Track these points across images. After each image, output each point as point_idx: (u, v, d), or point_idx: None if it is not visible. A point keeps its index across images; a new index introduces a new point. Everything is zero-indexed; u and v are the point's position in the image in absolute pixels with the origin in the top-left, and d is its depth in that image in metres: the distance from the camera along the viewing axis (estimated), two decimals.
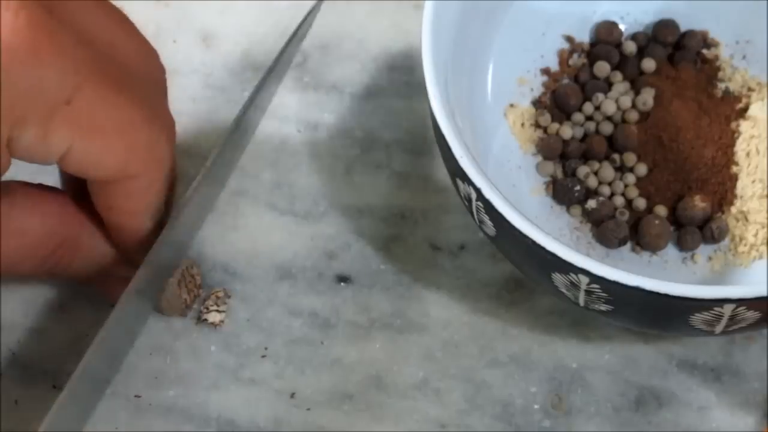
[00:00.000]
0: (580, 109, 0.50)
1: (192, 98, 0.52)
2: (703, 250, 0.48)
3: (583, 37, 0.51)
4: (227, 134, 0.47)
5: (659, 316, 0.41)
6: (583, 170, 0.49)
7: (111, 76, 0.39)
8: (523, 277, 0.47)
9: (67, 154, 0.39)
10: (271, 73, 0.49)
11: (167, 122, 0.43)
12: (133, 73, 0.41)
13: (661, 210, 0.48)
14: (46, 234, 0.43)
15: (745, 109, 0.49)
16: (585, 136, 0.49)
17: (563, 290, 0.41)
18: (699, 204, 0.47)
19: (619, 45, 0.51)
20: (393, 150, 0.51)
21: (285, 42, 0.49)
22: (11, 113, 0.37)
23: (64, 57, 0.38)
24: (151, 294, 0.46)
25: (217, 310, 0.47)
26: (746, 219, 0.47)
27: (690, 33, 0.50)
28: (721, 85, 0.50)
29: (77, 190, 0.44)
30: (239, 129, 0.48)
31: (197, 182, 0.46)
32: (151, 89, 0.43)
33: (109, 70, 0.39)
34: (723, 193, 0.48)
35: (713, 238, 0.47)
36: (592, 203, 0.48)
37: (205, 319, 0.47)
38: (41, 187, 0.44)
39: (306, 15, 0.50)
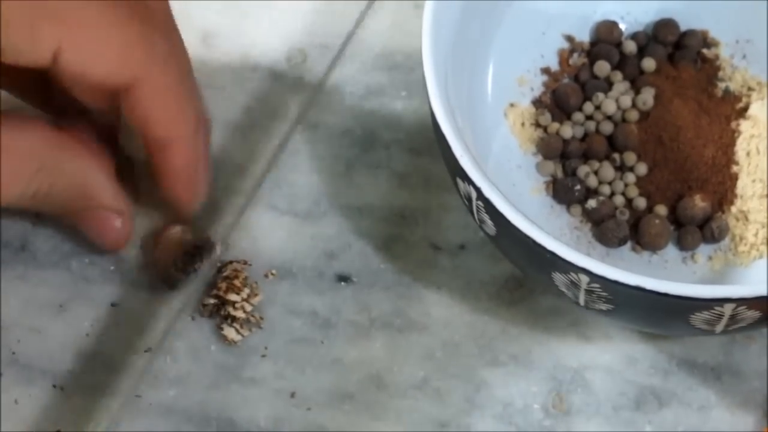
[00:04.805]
0: (580, 109, 0.50)
1: None
2: (704, 250, 0.48)
3: (584, 36, 0.51)
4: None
5: (659, 315, 0.41)
6: (583, 170, 0.49)
7: None
8: (523, 276, 0.47)
9: (59, 53, 0.40)
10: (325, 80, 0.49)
11: (161, 21, 0.43)
12: None
13: (661, 209, 0.48)
14: (27, 153, 0.43)
15: (746, 108, 0.49)
16: (585, 136, 0.49)
17: (564, 290, 0.41)
18: (699, 203, 0.47)
19: (619, 44, 0.51)
20: (393, 150, 0.51)
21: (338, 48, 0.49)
22: None
23: None
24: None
25: (239, 331, 0.47)
26: (746, 218, 0.47)
27: (690, 32, 0.50)
28: (722, 85, 0.50)
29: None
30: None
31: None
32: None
33: None
34: (723, 192, 0.48)
35: (713, 238, 0.47)
36: (592, 203, 0.48)
37: (222, 328, 0.47)
38: (21, 115, 0.44)
39: (360, 16, 0.50)
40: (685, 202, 0.48)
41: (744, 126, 0.48)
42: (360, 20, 0.53)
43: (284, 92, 0.52)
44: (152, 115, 0.43)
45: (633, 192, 0.48)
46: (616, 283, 0.39)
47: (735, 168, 0.48)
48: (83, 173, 0.45)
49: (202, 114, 0.46)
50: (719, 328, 0.41)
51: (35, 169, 0.43)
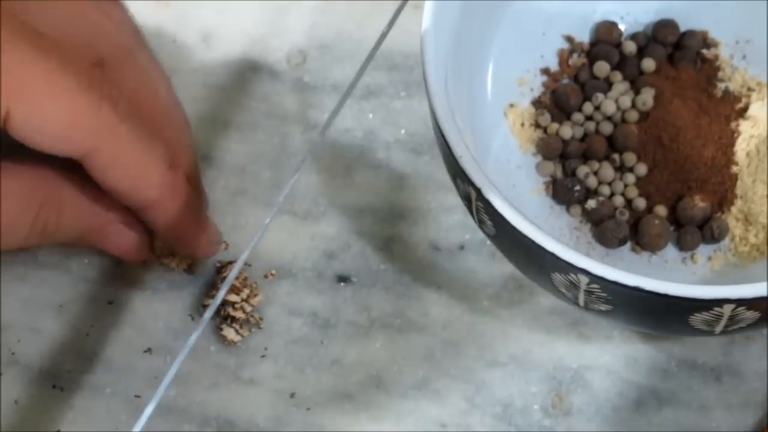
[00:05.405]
0: (579, 109, 0.50)
1: (192, 98, 0.52)
2: (703, 250, 0.48)
3: (583, 36, 0.51)
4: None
5: (659, 316, 0.41)
6: (582, 170, 0.49)
7: (38, 42, 0.40)
8: (523, 277, 0.47)
9: (8, 118, 0.39)
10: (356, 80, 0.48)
11: (114, 93, 0.42)
12: (71, 44, 0.42)
13: (661, 210, 0.48)
14: (26, 194, 0.43)
15: (745, 108, 0.49)
16: (585, 136, 0.49)
17: (563, 290, 0.41)
18: (699, 204, 0.47)
19: (619, 45, 0.51)
20: (393, 150, 0.51)
21: (372, 48, 0.48)
22: None
23: None
24: None
25: (238, 331, 0.47)
26: (746, 219, 0.47)
27: (690, 33, 0.50)
28: (721, 85, 0.50)
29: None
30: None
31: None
32: (98, 56, 0.43)
33: (34, 36, 0.40)
34: (723, 192, 0.48)
35: (713, 238, 0.47)
36: (591, 203, 0.48)
37: (221, 328, 0.47)
38: (8, 157, 0.44)
39: (392, 17, 0.49)
40: (684, 202, 0.48)
41: (744, 126, 0.48)
42: (360, 20, 0.53)
43: (284, 92, 0.52)
44: (111, 182, 0.43)
45: (633, 192, 0.48)
46: (615, 283, 0.39)
47: (735, 168, 0.48)
48: (87, 200, 0.45)
49: (182, 159, 0.46)
50: (719, 328, 0.41)
51: (37, 207, 0.43)
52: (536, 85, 0.50)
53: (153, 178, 0.44)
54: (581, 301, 0.41)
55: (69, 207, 0.44)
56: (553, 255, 0.39)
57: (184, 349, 0.41)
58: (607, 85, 0.50)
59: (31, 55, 0.40)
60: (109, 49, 0.44)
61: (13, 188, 0.42)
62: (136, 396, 0.47)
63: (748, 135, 0.48)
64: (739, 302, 0.39)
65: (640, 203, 0.48)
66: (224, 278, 0.47)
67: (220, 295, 0.43)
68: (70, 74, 0.40)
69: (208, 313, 0.42)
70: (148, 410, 0.41)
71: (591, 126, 0.49)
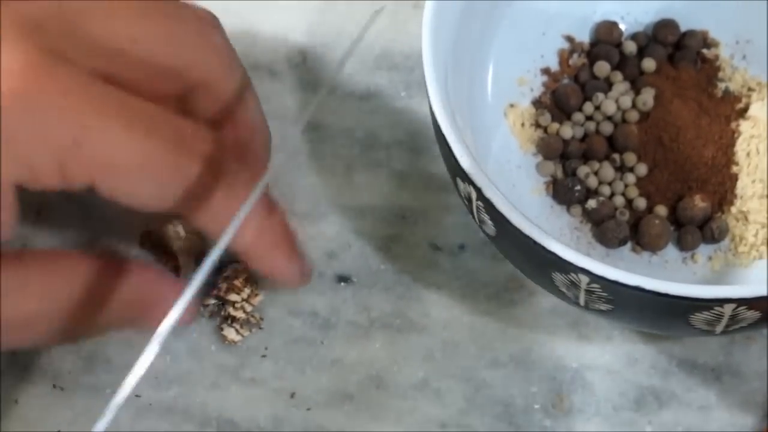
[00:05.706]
0: (580, 109, 0.50)
1: None
2: (703, 250, 0.48)
3: (584, 36, 0.51)
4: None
5: (659, 315, 0.41)
6: (583, 170, 0.49)
7: (123, 109, 0.38)
8: (523, 277, 0.47)
9: (93, 185, 0.38)
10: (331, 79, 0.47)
11: (203, 145, 0.39)
12: (161, 71, 0.40)
13: (661, 210, 0.48)
14: (49, 287, 0.40)
15: (745, 108, 0.49)
16: (585, 136, 0.49)
17: (564, 290, 0.41)
18: (699, 204, 0.47)
19: (619, 45, 0.51)
20: (393, 150, 0.51)
21: (346, 50, 0.47)
22: (16, 161, 0.36)
23: (65, 97, 0.36)
24: None
25: (238, 331, 0.47)
26: (746, 219, 0.47)
27: (690, 33, 0.50)
28: (721, 85, 0.50)
29: None
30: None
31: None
32: (190, 83, 0.41)
33: (121, 101, 0.38)
34: (723, 192, 0.48)
35: (713, 238, 0.47)
36: (592, 203, 0.48)
37: (222, 328, 0.47)
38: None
39: (368, 21, 0.48)
40: (685, 202, 0.48)
41: (744, 126, 0.48)
42: (360, 21, 0.53)
43: (284, 92, 0.52)
44: (209, 232, 0.40)
45: (633, 192, 0.48)
46: (615, 283, 0.39)
47: (735, 168, 0.48)
48: (131, 289, 0.42)
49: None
50: (719, 328, 0.41)
51: (63, 300, 0.40)
52: (536, 85, 0.50)
53: (251, 225, 0.40)
54: (582, 301, 0.41)
55: (116, 301, 0.41)
56: (553, 255, 0.39)
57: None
58: (608, 85, 0.50)
59: (114, 128, 0.37)
60: (204, 75, 0.41)
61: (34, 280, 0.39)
62: (136, 396, 0.47)
63: (748, 135, 0.48)
64: (740, 302, 0.39)
65: (641, 203, 0.48)
66: (225, 277, 0.47)
67: (199, 279, 0.40)
68: (155, 139, 0.38)
69: (190, 292, 0.39)
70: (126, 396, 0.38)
71: (591, 126, 0.49)
